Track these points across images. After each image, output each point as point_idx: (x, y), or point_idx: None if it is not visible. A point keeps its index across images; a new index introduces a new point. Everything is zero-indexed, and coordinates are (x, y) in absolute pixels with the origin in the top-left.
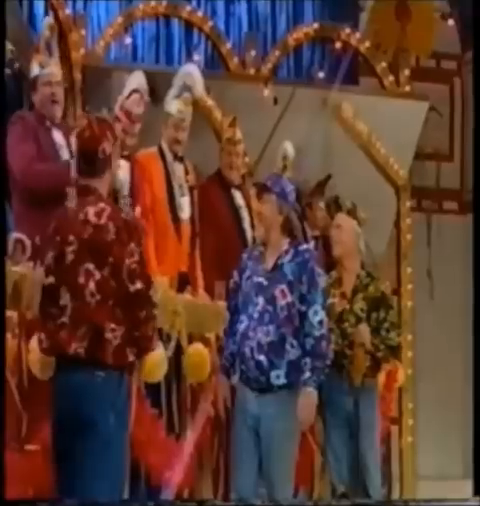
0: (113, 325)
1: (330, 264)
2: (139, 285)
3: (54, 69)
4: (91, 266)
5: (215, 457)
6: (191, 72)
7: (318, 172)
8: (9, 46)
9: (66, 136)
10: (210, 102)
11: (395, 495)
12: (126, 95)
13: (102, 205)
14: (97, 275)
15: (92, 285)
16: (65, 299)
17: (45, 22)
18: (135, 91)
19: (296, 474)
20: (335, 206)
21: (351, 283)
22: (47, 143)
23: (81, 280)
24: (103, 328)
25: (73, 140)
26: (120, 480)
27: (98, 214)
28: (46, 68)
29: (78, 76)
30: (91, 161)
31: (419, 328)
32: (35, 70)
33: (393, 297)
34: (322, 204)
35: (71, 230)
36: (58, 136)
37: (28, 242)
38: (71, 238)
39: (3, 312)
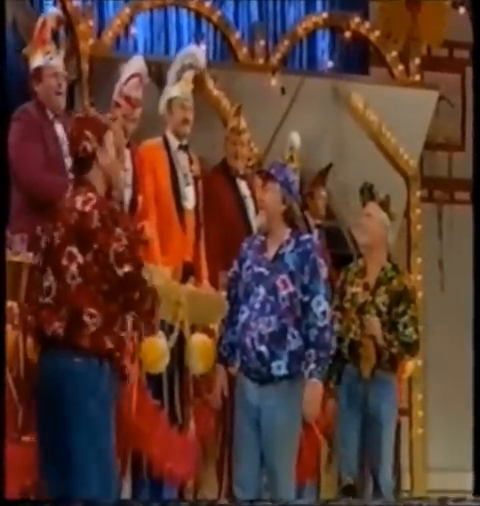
0: (92, 310)
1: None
2: (128, 268)
3: (60, 62)
4: (74, 250)
5: (219, 448)
6: (190, 51)
7: (328, 163)
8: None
9: (66, 129)
10: (218, 92)
11: (405, 487)
12: (124, 80)
13: (90, 195)
14: (80, 259)
15: (74, 268)
16: (49, 280)
17: (52, 13)
18: (134, 76)
19: (302, 466)
20: (369, 194)
21: (375, 274)
22: (50, 137)
23: (64, 262)
24: (82, 312)
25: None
26: (108, 470)
27: (85, 202)
28: (54, 59)
29: (86, 67)
30: (75, 160)
31: (429, 319)
32: (40, 60)
33: (415, 292)
34: (324, 193)
35: (60, 217)
36: (59, 129)
37: (26, 235)
38: (59, 224)
39: (3, 307)
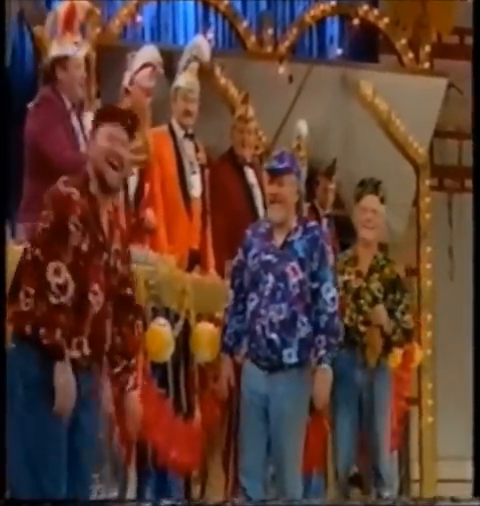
0: (30, 291)
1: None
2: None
3: (85, 52)
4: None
5: (225, 438)
6: (196, 42)
7: (336, 151)
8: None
9: (79, 120)
10: (225, 80)
11: (414, 477)
12: (136, 69)
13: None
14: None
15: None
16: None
17: (81, 4)
18: (146, 65)
19: (309, 455)
20: (373, 188)
21: (367, 263)
22: (68, 127)
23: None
24: (18, 297)
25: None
26: (46, 466)
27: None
28: (80, 51)
29: (93, 55)
30: None
31: (439, 308)
32: (67, 49)
33: (407, 280)
34: (333, 185)
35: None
36: (75, 120)
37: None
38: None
39: (3, 307)
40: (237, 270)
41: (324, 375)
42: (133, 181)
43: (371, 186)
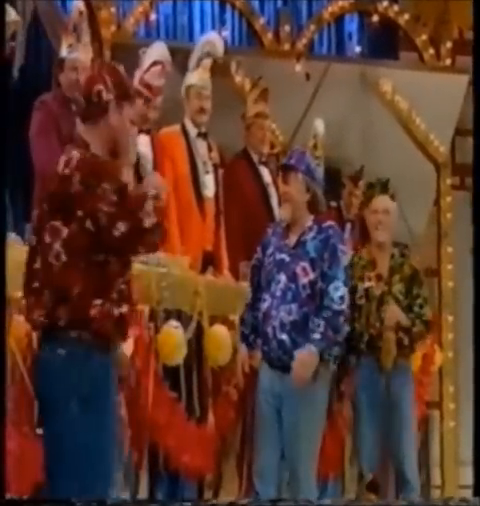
0: (78, 290)
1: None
2: (124, 227)
3: (82, 54)
4: (57, 223)
5: (239, 441)
6: (209, 39)
7: (356, 150)
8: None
9: None
10: (241, 78)
11: (435, 481)
12: (146, 68)
13: (74, 153)
14: (64, 233)
15: (58, 245)
16: (38, 262)
17: (74, 5)
18: (156, 63)
19: (325, 459)
20: (381, 188)
21: (386, 264)
22: (68, 129)
23: (47, 240)
24: (66, 296)
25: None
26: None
27: (66, 163)
28: (74, 52)
29: (107, 54)
30: (86, 103)
31: (460, 309)
32: (63, 51)
33: (423, 272)
34: (358, 192)
35: (46, 185)
36: (78, 123)
37: None
38: (44, 194)
39: (3, 307)
40: (255, 268)
41: (308, 356)
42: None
43: (379, 186)
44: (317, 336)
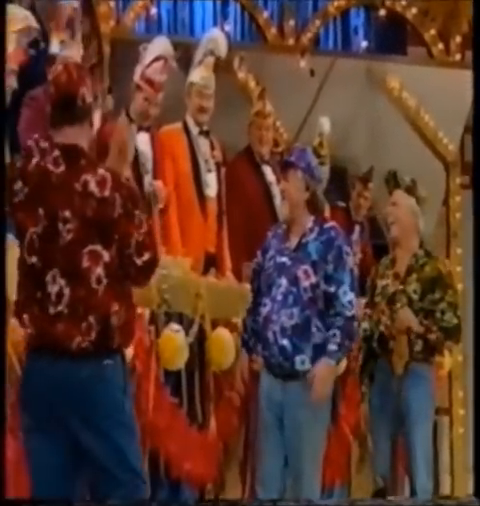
0: (117, 307)
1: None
2: (147, 256)
3: (74, 52)
4: (98, 247)
5: (242, 448)
6: (213, 36)
7: (362, 148)
8: (34, 24)
9: None
10: (244, 74)
11: (445, 489)
12: (147, 63)
13: (102, 172)
14: (106, 257)
15: (100, 269)
16: (58, 285)
17: (70, 2)
18: (158, 58)
19: (331, 467)
20: (394, 182)
21: (405, 263)
22: None
23: (86, 264)
24: (109, 315)
25: (46, 90)
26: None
27: (100, 184)
28: (66, 49)
29: (107, 50)
30: (69, 108)
31: (470, 312)
32: (54, 48)
33: (452, 276)
34: (368, 194)
35: (66, 204)
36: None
37: None
38: (67, 213)
39: (3, 307)
40: (255, 273)
41: (327, 370)
42: (147, 180)
43: (392, 179)
44: (334, 347)
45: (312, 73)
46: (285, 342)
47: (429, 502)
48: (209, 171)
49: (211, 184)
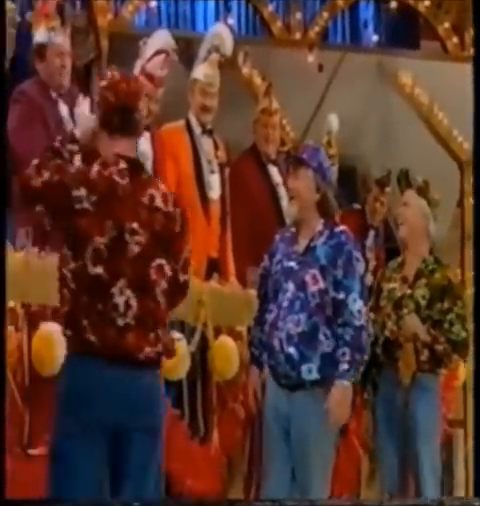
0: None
1: (396, 249)
2: (188, 275)
3: (64, 39)
4: (163, 261)
5: (247, 463)
6: (218, 32)
7: (373, 147)
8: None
9: (71, 107)
10: (249, 70)
11: None
12: (148, 57)
13: (163, 187)
14: (168, 272)
15: (164, 283)
16: (125, 297)
17: None
18: (159, 52)
19: (340, 481)
20: (405, 181)
21: (414, 268)
22: (53, 118)
23: (153, 277)
24: (166, 327)
25: (101, 94)
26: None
27: (164, 199)
28: (57, 37)
29: (105, 44)
30: (127, 119)
31: None
32: (43, 36)
33: (462, 287)
34: (384, 199)
35: (133, 216)
36: (64, 110)
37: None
38: (135, 226)
39: (3, 307)
40: (262, 278)
41: (342, 392)
42: None
43: (404, 179)
44: (345, 366)
45: (320, 68)
46: (291, 350)
47: (431, 502)
48: (212, 172)
49: (214, 186)
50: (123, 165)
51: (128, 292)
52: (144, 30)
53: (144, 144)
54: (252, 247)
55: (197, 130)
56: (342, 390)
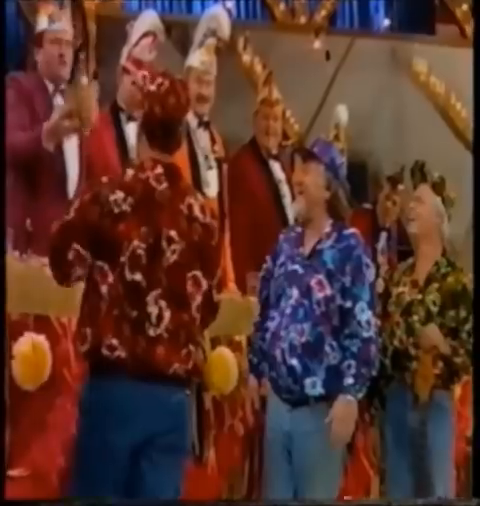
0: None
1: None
2: (221, 295)
3: (66, 25)
4: (199, 273)
5: (246, 484)
6: (215, 14)
7: (384, 141)
8: None
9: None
10: (249, 57)
11: None
12: (134, 41)
13: (200, 198)
14: (204, 285)
15: (200, 297)
16: (158, 307)
17: None
18: (146, 35)
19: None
20: (420, 175)
21: (426, 271)
22: (42, 107)
23: (189, 289)
24: (199, 347)
25: (147, 100)
26: None
27: (203, 209)
28: (56, 23)
29: (93, 29)
30: (170, 133)
31: None
32: (43, 24)
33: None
34: (397, 197)
35: (171, 224)
36: (59, 100)
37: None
38: (173, 233)
39: (3, 308)
40: (264, 280)
41: (346, 408)
42: None
43: (418, 172)
44: (350, 380)
45: (327, 55)
46: (294, 362)
47: (431, 501)
48: (209, 168)
49: (211, 183)
50: (160, 170)
51: (162, 302)
52: (136, 14)
53: (133, 137)
54: (252, 250)
55: (193, 122)
56: (345, 405)
